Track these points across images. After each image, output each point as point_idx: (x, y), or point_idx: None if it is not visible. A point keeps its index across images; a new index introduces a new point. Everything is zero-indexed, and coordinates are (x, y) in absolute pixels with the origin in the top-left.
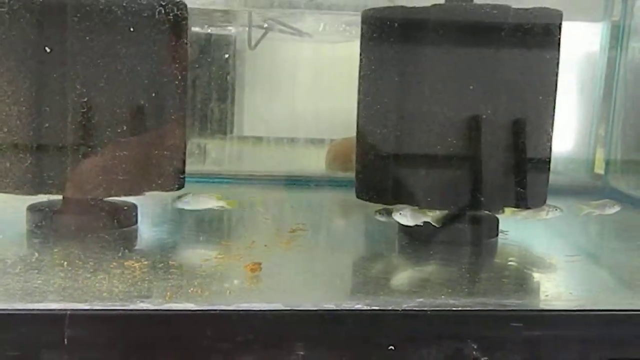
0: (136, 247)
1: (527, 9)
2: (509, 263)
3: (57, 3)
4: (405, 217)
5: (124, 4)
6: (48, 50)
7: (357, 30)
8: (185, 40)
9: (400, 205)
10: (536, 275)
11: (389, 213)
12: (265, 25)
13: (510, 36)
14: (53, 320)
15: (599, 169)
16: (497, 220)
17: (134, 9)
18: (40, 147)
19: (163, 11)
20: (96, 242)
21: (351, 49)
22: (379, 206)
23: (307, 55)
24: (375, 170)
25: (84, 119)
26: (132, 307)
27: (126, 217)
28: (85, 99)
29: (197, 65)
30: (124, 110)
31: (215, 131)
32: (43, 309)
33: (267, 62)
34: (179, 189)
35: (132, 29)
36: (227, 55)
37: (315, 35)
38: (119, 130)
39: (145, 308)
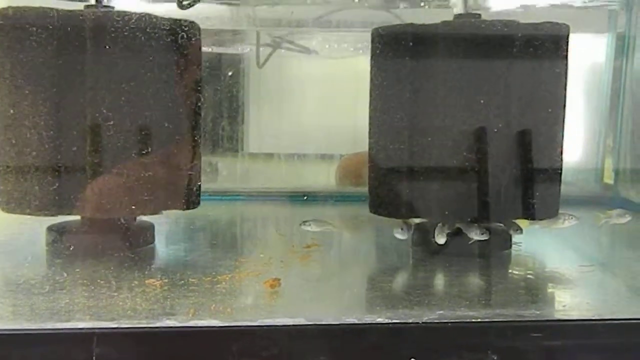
0: (155, 266)
1: (534, 24)
2: (522, 274)
3: (78, 30)
4: (405, 233)
5: (144, 29)
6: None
7: (361, 46)
8: (199, 62)
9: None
10: (551, 286)
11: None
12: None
13: (518, 50)
14: (81, 339)
15: (608, 179)
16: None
17: (154, 35)
18: (61, 169)
19: (182, 35)
20: (116, 261)
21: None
22: (389, 220)
23: (315, 71)
24: (388, 185)
25: (102, 141)
26: (158, 324)
27: (144, 236)
28: (104, 122)
29: (207, 85)
30: (141, 132)
31: (227, 149)
32: (71, 328)
33: (275, 79)
34: (194, 207)
35: (150, 53)
36: (230, 73)
37: (322, 51)
38: (136, 152)
39: (171, 325)
